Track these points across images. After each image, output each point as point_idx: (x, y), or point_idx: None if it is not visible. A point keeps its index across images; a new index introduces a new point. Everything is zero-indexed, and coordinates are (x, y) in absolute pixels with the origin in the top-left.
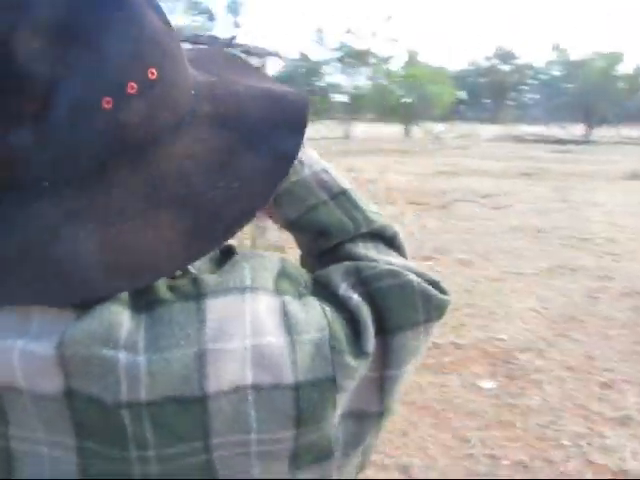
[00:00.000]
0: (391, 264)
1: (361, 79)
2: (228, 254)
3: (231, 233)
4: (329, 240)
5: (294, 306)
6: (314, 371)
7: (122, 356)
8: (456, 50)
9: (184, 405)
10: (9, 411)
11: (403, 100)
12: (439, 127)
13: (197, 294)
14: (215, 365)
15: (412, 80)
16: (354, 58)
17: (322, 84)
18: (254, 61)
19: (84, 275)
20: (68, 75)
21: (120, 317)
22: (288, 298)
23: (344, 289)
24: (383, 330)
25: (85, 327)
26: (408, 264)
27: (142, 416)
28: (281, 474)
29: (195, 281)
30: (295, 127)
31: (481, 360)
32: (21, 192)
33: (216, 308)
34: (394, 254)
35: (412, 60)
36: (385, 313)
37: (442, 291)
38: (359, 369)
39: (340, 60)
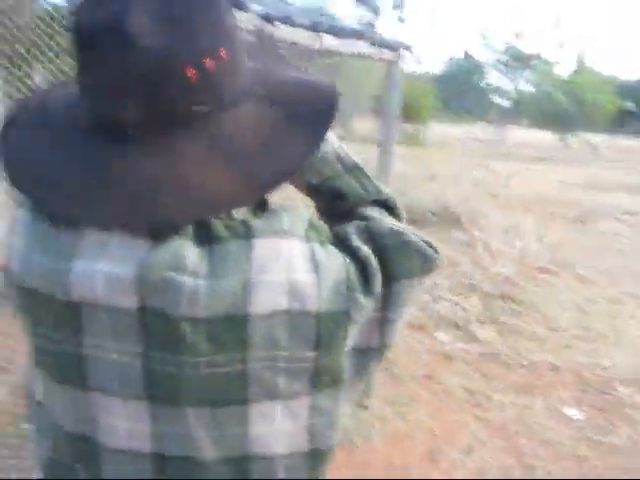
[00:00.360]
0: (395, 225)
1: (524, 83)
2: (263, 206)
3: (271, 188)
4: (344, 204)
5: (319, 251)
6: (333, 304)
7: (187, 280)
8: (630, 59)
9: (231, 322)
10: (85, 323)
11: (565, 108)
12: (598, 138)
13: (247, 234)
14: (257, 292)
15: (576, 87)
16: (519, 61)
17: (484, 85)
18: (387, 54)
19: (162, 203)
20: (164, 47)
21: (186, 249)
22: (315, 245)
23: (357, 242)
24: (386, 278)
25: (159, 255)
26: (407, 227)
27: (198, 328)
28: (301, 393)
29: (245, 224)
30: (326, 111)
31: (574, 386)
32: (107, 136)
33: (261, 247)
34: (395, 219)
35: (580, 67)
36: (388, 264)
37: (435, 250)
38: (367, 306)
39: (505, 63)
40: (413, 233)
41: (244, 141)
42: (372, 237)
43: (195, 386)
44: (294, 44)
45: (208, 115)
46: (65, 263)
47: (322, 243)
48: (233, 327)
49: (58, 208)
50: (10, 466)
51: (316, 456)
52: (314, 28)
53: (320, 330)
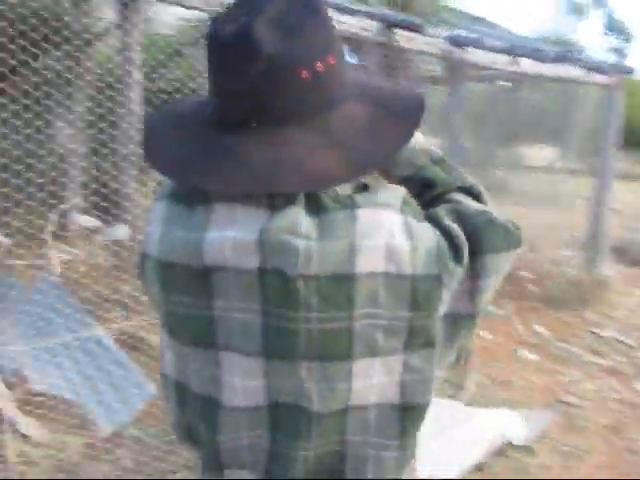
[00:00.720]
0: (480, 207)
1: None
2: (364, 186)
3: (369, 169)
4: (433, 191)
5: (413, 222)
6: (425, 268)
7: (301, 242)
8: None
9: (339, 280)
10: (216, 286)
11: None
12: None
13: (351, 205)
14: (361, 254)
15: None
16: None
17: None
18: (604, 78)
19: (281, 178)
20: (284, 54)
21: (300, 216)
22: (409, 217)
23: (447, 222)
24: (475, 253)
25: (277, 222)
26: (491, 209)
27: (311, 286)
28: (397, 351)
29: (349, 197)
30: (416, 109)
31: None
32: (233, 129)
33: (364, 216)
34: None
35: None
36: (476, 240)
37: (517, 227)
38: (457, 274)
39: None
40: (497, 213)
41: (348, 132)
42: (460, 217)
43: (307, 341)
44: (486, 68)
45: (318, 111)
46: (199, 234)
47: (415, 216)
48: (341, 285)
49: (199, 183)
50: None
51: (406, 409)
52: (511, 52)
53: (414, 292)
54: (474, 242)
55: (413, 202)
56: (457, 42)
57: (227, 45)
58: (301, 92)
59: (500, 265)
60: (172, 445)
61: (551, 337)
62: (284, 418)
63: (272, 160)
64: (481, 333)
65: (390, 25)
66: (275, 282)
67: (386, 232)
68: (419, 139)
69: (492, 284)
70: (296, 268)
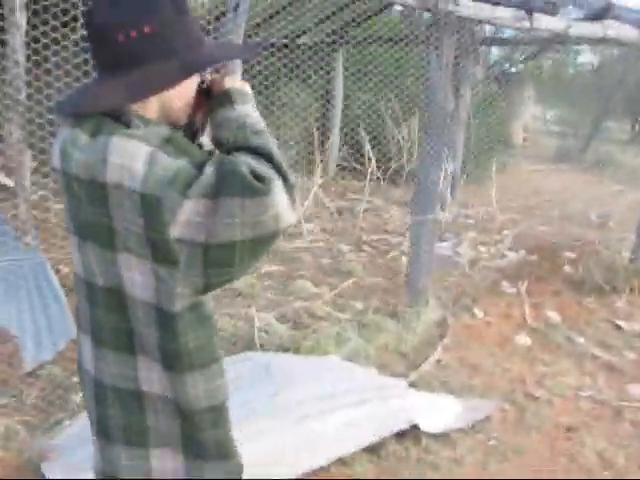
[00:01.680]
0: (237, 160)
1: None
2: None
3: (136, 99)
4: (223, 149)
5: (160, 155)
6: (151, 190)
7: (75, 151)
8: None
9: (95, 185)
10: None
11: None
12: None
13: (113, 133)
14: (108, 168)
15: None
16: None
17: None
18: None
19: (82, 101)
20: (107, 21)
21: (80, 134)
22: (160, 152)
23: (208, 165)
24: (215, 194)
25: (65, 134)
26: (253, 162)
27: (81, 186)
28: (146, 258)
29: (119, 128)
30: (175, 71)
31: None
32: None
33: (116, 141)
34: (265, 162)
35: None
36: (218, 183)
37: (262, 179)
38: (178, 202)
39: None
40: (252, 167)
41: (134, 75)
42: (219, 163)
43: (80, 226)
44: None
45: (128, 64)
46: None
47: (170, 153)
48: (96, 188)
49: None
50: None
51: (161, 313)
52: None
53: (143, 206)
54: (216, 185)
55: (180, 144)
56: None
57: (86, 14)
58: (116, 49)
59: (234, 210)
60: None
61: (561, 323)
62: (81, 288)
63: (86, 89)
64: (477, 312)
65: None
66: (68, 182)
67: (129, 156)
68: (248, 112)
69: (224, 225)
70: (72, 171)
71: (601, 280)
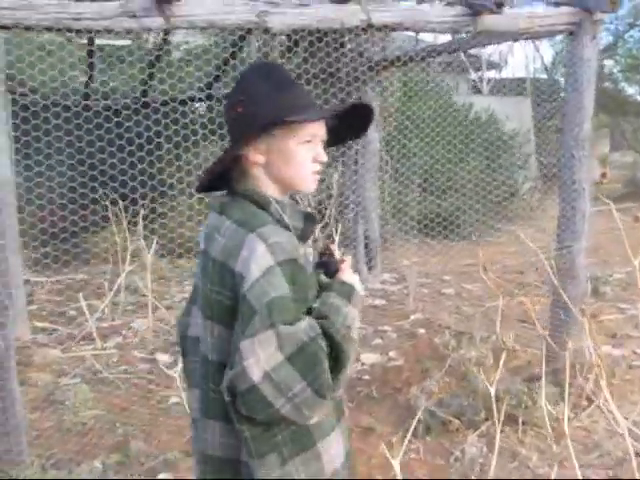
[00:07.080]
0: (323, 359)
1: None
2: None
3: (221, 160)
4: (321, 312)
5: (276, 272)
6: (253, 300)
7: (219, 237)
8: None
9: (224, 268)
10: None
11: None
12: None
13: (251, 229)
14: (236, 257)
15: None
16: None
17: None
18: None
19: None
20: (227, 101)
21: (223, 222)
22: (272, 259)
23: (304, 321)
24: (282, 353)
25: (212, 221)
26: (331, 374)
27: (215, 266)
28: (228, 325)
29: (255, 219)
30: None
31: None
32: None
33: (250, 238)
34: (336, 374)
35: None
36: (293, 351)
37: (324, 393)
38: (265, 331)
39: None
40: (328, 379)
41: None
42: (310, 338)
43: (207, 304)
44: None
45: (232, 140)
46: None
47: (287, 275)
48: (226, 272)
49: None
50: None
51: (215, 364)
52: None
53: (242, 305)
54: (291, 351)
55: (302, 269)
56: None
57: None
58: (228, 127)
59: (288, 384)
60: None
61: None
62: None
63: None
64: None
65: None
66: (203, 260)
67: (254, 258)
68: (356, 316)
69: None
70: (212, 253)
71: None
